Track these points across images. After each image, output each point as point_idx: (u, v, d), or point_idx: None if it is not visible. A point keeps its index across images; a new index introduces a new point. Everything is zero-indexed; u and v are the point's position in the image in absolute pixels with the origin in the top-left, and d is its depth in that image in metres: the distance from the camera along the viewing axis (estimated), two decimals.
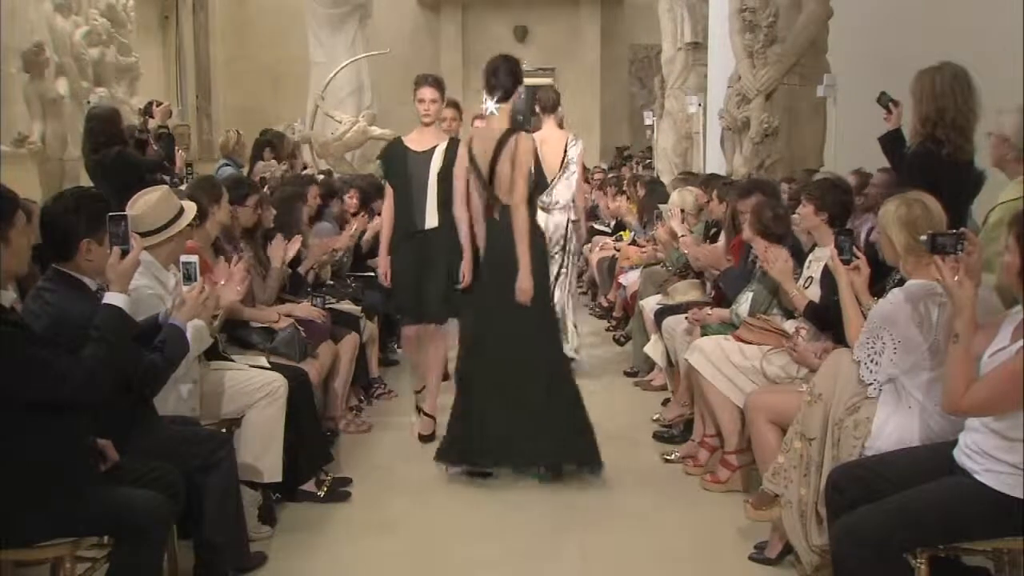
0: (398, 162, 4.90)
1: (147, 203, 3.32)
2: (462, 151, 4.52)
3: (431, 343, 4.99)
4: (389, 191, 4.98)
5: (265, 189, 5.89)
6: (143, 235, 3.21)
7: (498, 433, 4.18)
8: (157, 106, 7.51)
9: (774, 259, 3.97)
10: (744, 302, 4.36)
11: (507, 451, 4.22)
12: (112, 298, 2.66)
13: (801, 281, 4.03)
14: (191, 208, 3.50)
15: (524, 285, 4.16)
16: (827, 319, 3.73)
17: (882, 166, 5.10)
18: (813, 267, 4.04)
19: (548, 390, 4.24)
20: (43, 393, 2.48)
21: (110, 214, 2.75)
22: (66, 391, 2.51)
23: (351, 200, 6.54)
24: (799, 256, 4.20)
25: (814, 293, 3.93)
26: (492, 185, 4.24)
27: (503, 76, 4.29)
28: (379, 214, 6.78)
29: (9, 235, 2.52)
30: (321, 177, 8.10)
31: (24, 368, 2.42)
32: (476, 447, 4.24)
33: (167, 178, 6.53)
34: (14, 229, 2.53)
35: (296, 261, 5.11)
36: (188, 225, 3.46)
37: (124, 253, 2.69)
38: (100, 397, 2.59)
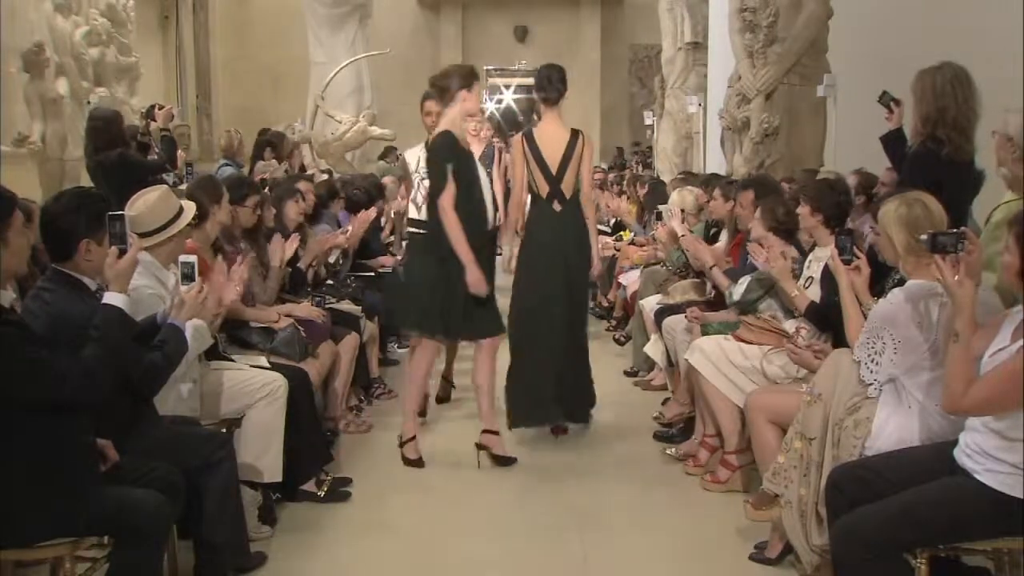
0: (464, 160, 4.45)
1: (146, 203, 3.31)
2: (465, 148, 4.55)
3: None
4: (452, 191, 4.30)
5: (266, 189, 5.88)
6: (142, 235, 3.21)
7: (550, 394, 4.79)
8: (159, 109, 7.52)
9: (775, 258, 3.97)
10: (741, 284, 4.38)
11: (557, 408, 4.83)
12: (111, 298, 2.66)
13: (801, 281, 4.03)
14: (190, 208, 3.49)
15: (598, 268, 5.11)
16: (828, 319, 3.73)
17: (884, 166, 5.10)
18: (813, 267, 4.04)
19: (582, 354, 4.97)
20: (42, 393, 2.48)
21: (109, 213, 2.74)
22: (65, 391, 2.50)
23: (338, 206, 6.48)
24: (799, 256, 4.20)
25: (814, 293, 3.93)
26: (560, 181, 4.75)
27: (556, 82, 4.78)
28: (380, 213, 6.81)
29: (7, 235, 2.51)
30: (324, 177, 8.11)
31: (23, 368, 2.42)
32: (533, 408, 4.82)
33: (167, 177, 6.53)
34: (12, 229, 2.53)
35: (295, 260, 5.11)
36: (188, 225, 3.46)
37: (122, 253, 2.69)
38: (100, 397, 2.59)
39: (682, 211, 6.04)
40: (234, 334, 4.21)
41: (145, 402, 3.08)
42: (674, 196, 6.41)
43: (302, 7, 14.57)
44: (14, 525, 2.52)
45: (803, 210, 4.00)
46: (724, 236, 5.44)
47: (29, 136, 9.15)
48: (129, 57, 11.53)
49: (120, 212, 2.79)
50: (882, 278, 3.41)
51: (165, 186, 3.56)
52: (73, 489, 2.59)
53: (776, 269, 3.98)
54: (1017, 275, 2.42)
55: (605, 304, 8.10)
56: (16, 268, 2.66)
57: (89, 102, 9.56)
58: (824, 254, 3.91)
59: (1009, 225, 2.48)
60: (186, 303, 3.04)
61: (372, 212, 6.36)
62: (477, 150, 6.33)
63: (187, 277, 3.12)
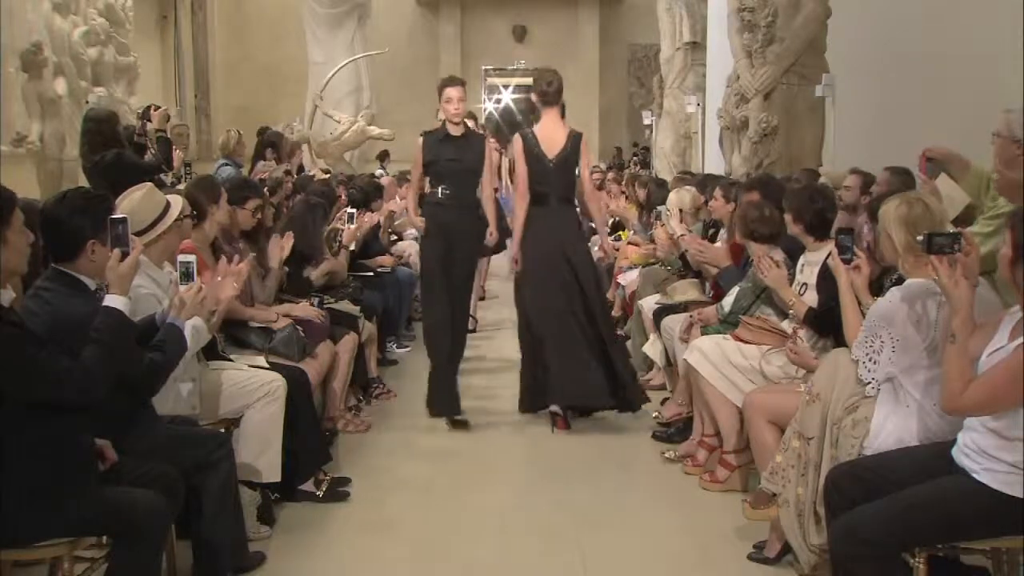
0: None
1: (131, 203, 3.28)
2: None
3: None
4: None
5: (265, 190, 5.87)
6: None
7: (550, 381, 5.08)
8: (155, 110, 7.50)
9: (768, 267, 3.97)
10: (730, 296, 4.39)
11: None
12: (112, 300, 2.65)
13: (794, 287, 4.02)
14: (177, 202, 3.46)
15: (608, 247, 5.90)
16: (827, 324, 3.71)
17: (881, 165, 5.09)
18: (806, 272, 4.01)
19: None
20: (42, 393, 2.48)
21: (111, 216, 2.75)
22: (64, 392, 2.50)
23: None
24: (798, 257, 4.19)
25: (811, 299, 3.92)
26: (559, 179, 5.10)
27: (556, 86, 5.08)
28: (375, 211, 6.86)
29: (7, 234, 2.51)
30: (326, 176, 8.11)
31: (23, 368, 2.42)
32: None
33: (164, 178, 6.52)
34: (12, 228, 2.53)
35: (291, 260, 5.04)
36: (178, 221, 3.43)
37: (123, 255, 2.69)
38: (99, 398, 2.59)
39: (680, 211, 6.04)
40: (233, 334, 4.21)
41: (144, 402, 3.08)
42: (672, 196, 6.41)
43: (300, 7, 14.58)
44: (13, 525, 2.52)
45: (787, 217, 4.03)
46: (723, 236, 5.43)
47: (27, 136, 9.15)
48: (127, 57, 11.53)
49: (123, 216, 2.79)
50: (881, 277, 3.41)
51: (148, 184, 3.52)
52: (72, 489, 2.59)
53: (771, 279, 3.97)
54: (1009, 266, 2.43)
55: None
56: (16, 267, 2.65)
57: (87, 102, 9.55)
58: (814, 258, 3.92)
59: (1007, 218, 2.49)
60: (186, 303, 3.04)
61: (375, 217, 6.39)
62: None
63: (186, 276, 3.11)
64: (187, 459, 3.03)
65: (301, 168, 9.44)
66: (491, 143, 6.98)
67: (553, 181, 5.06)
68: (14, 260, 2.58)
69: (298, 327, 4.36)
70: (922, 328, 2.89)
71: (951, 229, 2.78)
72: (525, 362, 5.21)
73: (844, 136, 7.69)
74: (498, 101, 18.01)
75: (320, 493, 4.00)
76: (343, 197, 6.80)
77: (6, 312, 2.49)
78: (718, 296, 4.91)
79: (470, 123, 6.63)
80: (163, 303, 3.17)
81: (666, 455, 4.58)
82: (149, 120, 7.32)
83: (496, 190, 6.66)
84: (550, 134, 5.07)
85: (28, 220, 2.63)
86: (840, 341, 3.36)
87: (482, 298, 7.67)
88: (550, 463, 4.62)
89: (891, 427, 2.91)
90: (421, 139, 5.27)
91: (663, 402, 5.27)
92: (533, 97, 5.20)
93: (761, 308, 4.29)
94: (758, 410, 3.60)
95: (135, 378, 2.85)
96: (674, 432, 4.86)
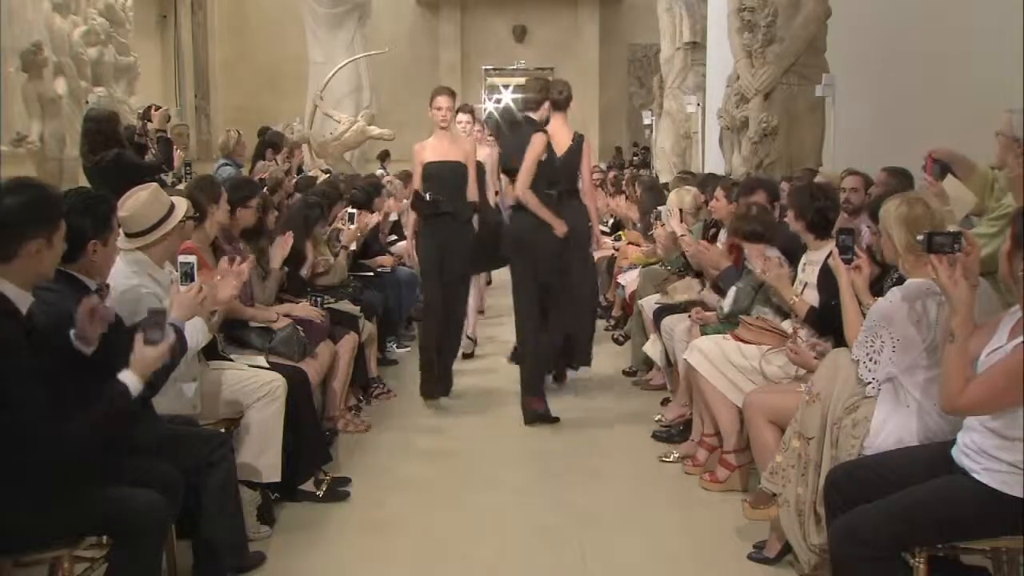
0: None
1: (136, 202, 3.28)
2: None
3: None
4: None
5: (264, 189, 5.86)
6: (135, 235, 3.21)
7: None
8: (155, 110, 7.51)
9: (770, 266, 3.97)
10: (729, 297, 4.39)
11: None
12: (128, 380, 2.57)
13: (796, 286, 4.01)
14: (181, 204, 3.45)
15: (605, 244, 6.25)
16: (828, 323, 3.72)
17: (880, 166, 5.10)
18: (807, 271, 4.02)
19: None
20: (31, 421, 2.40)
21: (150, 308, 2.67)
22: (37, 443, 2.42)
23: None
24: (798, 256, 4.18)
25: (812, 298, 3.91)
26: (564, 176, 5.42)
27: (566, 95, 5.53)
28: (376, 211, 6.88)
29: (53, 239, 2.50)
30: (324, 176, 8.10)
31: (23, 394, 2.37)
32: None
33: (165, 178, 6.52)
34: (58, 234, 2.52)
35: (290, 260, 5.04)
36: (181, 222, 3.43)
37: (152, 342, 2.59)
38: (73, 456, 2.48)
39: (680, 211, 6.04)
40: (233, 334, 4.20)
41: (144, 402, 3.07)
42: (672, 196, 6.41)
43: (300, 7, 14.58)
44: (13, 525, 2.51)
45: (789, 215, 4.03)
46: (723, 236, 5.43)
47: (27, 136, 9.15)
48: (127, 57, 11.53)
49: (162, 309, 2.72)
50: (881, 277, 3.41)
51: (154, 184, 3.51)
52: (72, 489, 2.58)
53: (771, 279, 3.97)
54: (1006, 257, 2.43)
55: (604, 303, 8.09)
56: (47, 274, 2.59)
57: (87, 102, 9.56)
58: (815, 257, 3.92)
59: (1011, 216, 2.49)
60: (186, 303, 3.03)
61: (376, 217, 6.38)
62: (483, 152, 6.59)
63: (187, 276, 3.11)
64: (187, 459, 3.03)
65: (301, 168, 9.43)
66: (489, 143, 6.98)
67: (560, 177, 5.41)
68: (47, 266, 2.54)
69: (298, 327, 4.36)
70: (922, 328, 2.89)
71: (952, 228, 2.78)
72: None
73: (844, 136, 7.70)
74: (498, 101, 18.00)
75: (320, 493, 4.01)
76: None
77: (22, 319, 2.45)
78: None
79: (466, 117, 6.66)
80: (163, 303, 3.17)
81: (664, 459, 4.57)
82: (149, 120, 7.33)
83: (496, 192, 6.67)
84: (557, 135, 5.43)
85: None
86: (840, 341, 3.36)
87: (481, 312, 7.65)
88: (550, 463, 4.62)
89: (891, 427, 2.91)
90: (544, 136, 5.25)
91: (663, 402, 5.27)
92: (545, 103, 5.56)
93: (759, 308, 4.29)
94: (758, 410, 3.60)
95: None
96: (675, 432, 4.86)
